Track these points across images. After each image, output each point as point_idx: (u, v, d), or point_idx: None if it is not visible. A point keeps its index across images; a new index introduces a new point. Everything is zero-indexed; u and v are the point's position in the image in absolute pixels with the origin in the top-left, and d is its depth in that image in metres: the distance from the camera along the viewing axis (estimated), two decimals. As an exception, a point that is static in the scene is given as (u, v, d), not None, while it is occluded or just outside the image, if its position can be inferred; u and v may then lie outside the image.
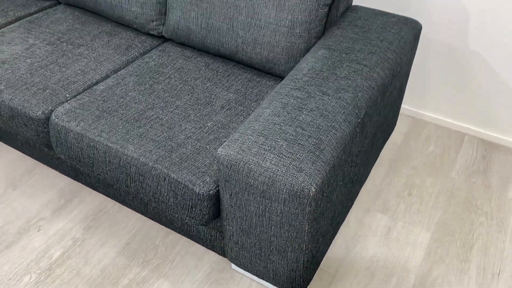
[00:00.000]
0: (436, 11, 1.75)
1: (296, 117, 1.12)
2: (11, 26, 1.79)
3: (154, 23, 1.72)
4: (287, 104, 1.17)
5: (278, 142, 1.06)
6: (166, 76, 1.54)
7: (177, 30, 1.65)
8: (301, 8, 1.40)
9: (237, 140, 1.09)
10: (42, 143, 1.48)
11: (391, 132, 1.80)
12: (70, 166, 1.61)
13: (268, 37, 1.47)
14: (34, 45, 1.67)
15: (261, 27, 1.47)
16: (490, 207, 1.67)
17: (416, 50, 1.59)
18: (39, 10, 1.95)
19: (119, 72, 1.57)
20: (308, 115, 1.13)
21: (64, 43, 1.69)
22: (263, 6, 1.44)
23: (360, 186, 1.55)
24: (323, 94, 1.19)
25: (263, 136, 1.08)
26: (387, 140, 1.76)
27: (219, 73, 1.57)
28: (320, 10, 1.42)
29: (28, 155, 1.76)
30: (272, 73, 1.55)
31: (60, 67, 1.57)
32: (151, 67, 1.59)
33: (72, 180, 1.72)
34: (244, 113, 1.40)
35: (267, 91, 1.50)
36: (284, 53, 1.47)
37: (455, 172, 1.81)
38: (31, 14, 1.92)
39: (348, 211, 1.50)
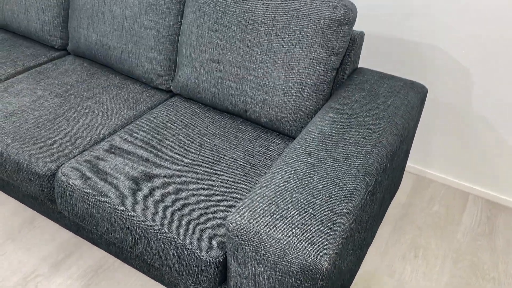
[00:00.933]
0: (440, 73, 1.79)
1: (307, 184, 1.12)
2: (20, 76, 1.81)
3: (163, 78, 1.74)
4: (298, 169, 1.16)
5: (290, 211, 1.05)
6: (174, 132, 1.54)
7: (186, 86, 1.66)
8: (310, 72, 1.43)
9: (248, 207, 1.08)
10: (45, 198, 1.46)
11: (397, 191, 1.79)
12: (72, 221, 1.58)
13: (276, 97, 1.48)
14: (43, 97, 1.68)
15: (270, 88, 1.49)
16: (498, 272, 1.64)
17: (422, 113, 1.61)
18: (48, 61, 1.97)
19: (127, 127, 1.57)
20: (319, 182, 1.12)
21: (72, 96, 1.70)
22: (273, 68, 1.47)
23: (367, 249, 1.53)
24: (333, 160, 1.19)
25: (274, 204, 1.07)
26: (392, 198, 1.75)
27: (227, 130, 1.57)
28: (328, 74, 1.45)
29: (29, 206, 1.73)
30: (279, 131, 1.56)
31: (68, 121, 1.57)
32: (159, 122, 1.59)
33: (73, 234, 1.69)
34: (252, 173, 1.39)
35: (275, 150, 1.50)
36: (292, 114, 1.48)
37: (461, 233, 1.79)
38: (40, 65, 1.94)
39: (355, 275, 1.47)
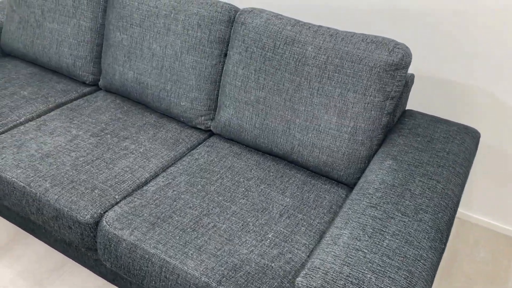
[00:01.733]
0: (483, 115, 1.74)
1: (379, 242, 1.05)
2: (52, 113, 1.75)
3: (203, 118, 1.69)
4: (366, 225, 1.10)
5: (366, 274, 0.98)
6: (218, 176, 1.48)
7: (228, 127, 1.61)
8: (365, 117, 1.37)
9: (318, 269, 1.00)
10: (84, 246, 1.38)
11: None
12: (110, 269, 1.50)
13: (327, 142, 1.43)
14: (78, 136, 1.62)
15: (321, 132, 1.43)
16: (556, 326, 1.56)
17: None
18: (79, 97, 1.92)
19: (169, 170, 1.50)
20: (392, 240, 1.05)
21: (109, 135, 1.64)
22: (324, 112, 1.42)
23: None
24: (402, 215, 1.12)
25: (347, 266, 1.00)
26: (438, 245, 1.68)
27: (271, 173, 1.51)
28: (383, 119, 1.39)
29: (59, 251, 1.64)
30: (328, 176, 1.49)
31: (106, 163, 1.50)
32: (201, 164, 1.53)
33: (107, 282, 1.60)
34: (305, 223, 1.32)
35: (325, 196, 1.43)
36: (345, 159, 1.42)
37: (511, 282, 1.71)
38: (71, 101, 1.89)
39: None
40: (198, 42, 1.61)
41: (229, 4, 1.61)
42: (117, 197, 1.38)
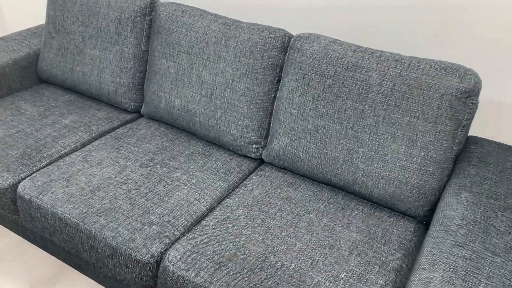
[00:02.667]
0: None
1: (475, 287, 0.97)
2: (96, 143, 1.70)
3: (253, 146, 1.63)
4: (456, 267, 1.02)
5: (470, 324, 0.90)
6: (277, 209, 1.41)
7: (282, 156, 1.55)
8: (436, 146, 1.31)
9: (416, 317, 0.93)
10: (142, 286, 1.31)
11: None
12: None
13: (395, 173, 1.36)
14: (127, 167, 1.56)
15: (387, 162, 1.36)
16: None
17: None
18: (121, 125, 1.87)
19: (224, 202, 1.44)
20: (488, 284, 0.98)
21: (158, 166, 1.58)
22: (391, 141, 1.35)
23: None
24: (493, 255, 1.05)
25: (447, 314, 0.92)
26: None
27: (331, 205, 1.44)
28: (454, 148, 1.33)
29: (107, 287, 1.58)
30: (393, 208, 1.42)
31: (160, 196, 1.44)
32: (257, 196, 1.46)
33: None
34: (377, 261, 1.25)
35: (393, 230, 1.36)
36: (414, 191, 1.35)
37: None
38: (114, 129, 1.84)
39: None
40: (251, 69, 1.56)
41: (282, 29, 1.56)
42: (176, 233, 1.32)
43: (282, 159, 1.56)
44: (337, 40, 1.46)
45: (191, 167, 1.59)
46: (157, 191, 1.46)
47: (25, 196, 1.45)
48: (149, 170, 1.56)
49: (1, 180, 1.51)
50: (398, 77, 1.33)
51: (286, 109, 1.51)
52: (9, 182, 1.51)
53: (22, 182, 1.49)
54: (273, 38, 1.54)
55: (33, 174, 1.53)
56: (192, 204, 1.43)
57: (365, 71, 1.37)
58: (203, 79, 1.65)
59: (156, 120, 1.87)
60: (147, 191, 1.46)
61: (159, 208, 1.40)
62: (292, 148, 1.51)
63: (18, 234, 1.77)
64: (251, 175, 1.59)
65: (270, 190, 1.50)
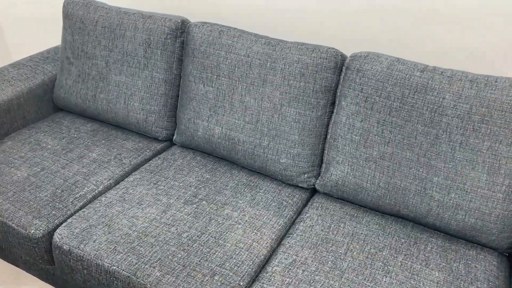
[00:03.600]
0: None
1: None
2: (131, 178, 1.55)
3: (306, 175, 1.50)
4: None
5: None
6: (345, 248, 1.28)
7: (342, 186, 1.42)
8: (523, 173, 1.20)
9: None
10: None
11: None
12: None
13: (476, 203, 1.24)
14: (170, 205, 1.42)
15: (466, 192, 1.25)
16: None
17: None
18: (153, 155, 1.73)
19: (285, 242, 1.31)
20: None
21: (204, 202, 1.44)
22: (470, 168, 1.24)
23: None
24: None
25: None
26: None
27: (402, 240, 1.32)
28: (541, 173, 1.22)
29: None
30: (472, 240, 1.30)
31: (215, 238, 1.30)
32: (319, 233, 1.33)
33: None
34: (471, 304, 1.13)
35: (475, 266, 1.24)
36: (499, 222, 1.23)
37: None
38: (147, 161, 1.69)
39: None
40: (302, 92, 1.43)
41: (334, 48, 1.44)
42: (242, 283, 1.18)
43: (341, 190, 1.43)
44: (400, 58, 1.34)
45: (240, 201, 1.45)
46: (210, 233, 1.32)
47: (64, 247, 1.30)
48: (196, 208, 1.42)
49: (34, 228, 1.36)
50: (475, 98, 1.22)
51: (345, 135, 1.39)
52: (43, 230, 1.35)
53: (57, 230, 1.34)
54: (325, 59, 1.42)
55: (69, 220, 1.37)
56: (252, 247, 1.29)
57: (437, 92, 1.25)
58: (247, 105, 1.51)
59: (191, 148, 1.73)
60: (199, 233, 1.32)
61: (216, 253, 1.25)
62: (353, 178, 1.39)
63: (49, 283, 1.61)
64: (306, 208, 1.46)
65: (332, 225, 1.37)
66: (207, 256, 1.24)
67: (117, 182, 1.57)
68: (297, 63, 1.44)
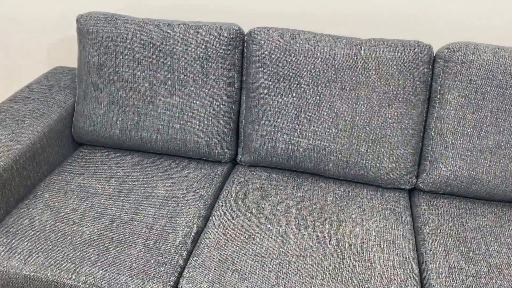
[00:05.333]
0: None
1: None
2: (220, 211, 1.37)
3: (408, 176, 1.44)
4: None
5: None
6: (483, 243, 1.25)
7: (453, 181, 1.39)
8: None
9: None
10: None
11: None
12: None
13: None
14: (286, 234, 1.27)
15: None
16: None
17: None
18: (224, 180, 1.54)
19: (426, 251, 1.24)
20: None
21: (317, 223, 1.31)
22: None
23: None
24: None
25: None
26: None
27: (524, 224, 1.33)
28: None
29: None
30: None
31: (359, 262, 1.19)
32: (451, 234, 1.29)
33: None
34: None
35: None
36: None
37: None
38: (220, 188, 1.51)
39: None
40: (402, 90, 1.37)
41: (420, 41, 1.39)
42: (420, 305, 1.09)
43: (452, 185, 1.40)
44: (499, 46, 1.34)
45: (352, 215, 1.35)
46: (350, 257, 1.21)
47: (200, 308, 1.10)
48: (313, 231, 1.29)
49: (151, 293, 1.13)
50: None
51: (455, 130, 1.35)
52: (163, 293, 1.14)
53: (181, 289, 1.13)
54: (420, 53, 1.36)
55: (184, 274, 1.17)
56: (402, 262, 1.20)
57: (550, 75, 1.27)
58: (338, 112, 1.41)
59: (258, 166, 1.58)
60: (340, 259, 1.20)
61: (373, 278, 1.15)
62: (467, 171, 1.36)
63: None
64: (417, 210, 1.41)
65: (456, 222, 1.33)
66: (367, 284, 1.13)
67: (206, 219, 1.38)
68: (391, 61, 1.36)
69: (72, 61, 2.02)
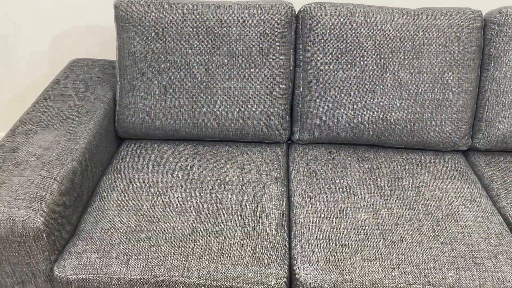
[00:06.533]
0: None
1: None
2: (299, 190, 1.37)
3: (466, 138, 1.52)
4: None
5: None
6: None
7: (508, 138, 1.48)
8: None
9: None
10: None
11: None
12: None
13: None
14: (375, 205, 1.31)
15: None
16: None
17: None
18: (287, 161, 1.54)
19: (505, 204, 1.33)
20: None
21: (397, 191, 1.36)
22: None
23: None
24: None
25: None
26: None
27: None
28: None
29: None
30: None
31: (458, 227, 1.25)
32: (517, 186, 1.39)
33: None
34: None
35: None
36: None
37: None
38: (287, 169, 1.50)
39: None
40: (462, 56, 1.42)
41: (470, 8, 1.45)
42: (523, 254, 1.18)
43: (508, 141, 1.49)
44: (546, 7, 1.42)
45: (426, 180, 1.41)
46: (443, 219, 1.26)
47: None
48: (398, 200, 1.33)
49: (273, 280, 1.12)
50: None
51: (511, 90, 1.44)
52: (285, 278, 1.13)
53: (301, 271, 1.13)
54: (474, 19, 1.42)
55: (295, 255, 1.17)
56: (489, 217, 1.28)
57: None
58: (402, 81, 1.44)
59: (317, 143, 1.59)
60: (434, 222, 1.25)
61: (472, 236, 1.22)
62: (523, 128, 1.46)
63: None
64: (479, 169, 1.50)
65: (517, 176, 1.44)
66: (470, 242, 1.20)
67: (288, 199, 1.38)
68: (450, 28, 1.41)
69: (74, 55, 1.91)
